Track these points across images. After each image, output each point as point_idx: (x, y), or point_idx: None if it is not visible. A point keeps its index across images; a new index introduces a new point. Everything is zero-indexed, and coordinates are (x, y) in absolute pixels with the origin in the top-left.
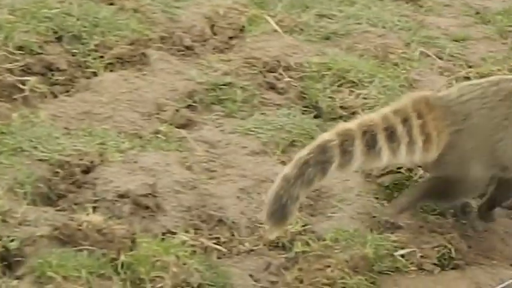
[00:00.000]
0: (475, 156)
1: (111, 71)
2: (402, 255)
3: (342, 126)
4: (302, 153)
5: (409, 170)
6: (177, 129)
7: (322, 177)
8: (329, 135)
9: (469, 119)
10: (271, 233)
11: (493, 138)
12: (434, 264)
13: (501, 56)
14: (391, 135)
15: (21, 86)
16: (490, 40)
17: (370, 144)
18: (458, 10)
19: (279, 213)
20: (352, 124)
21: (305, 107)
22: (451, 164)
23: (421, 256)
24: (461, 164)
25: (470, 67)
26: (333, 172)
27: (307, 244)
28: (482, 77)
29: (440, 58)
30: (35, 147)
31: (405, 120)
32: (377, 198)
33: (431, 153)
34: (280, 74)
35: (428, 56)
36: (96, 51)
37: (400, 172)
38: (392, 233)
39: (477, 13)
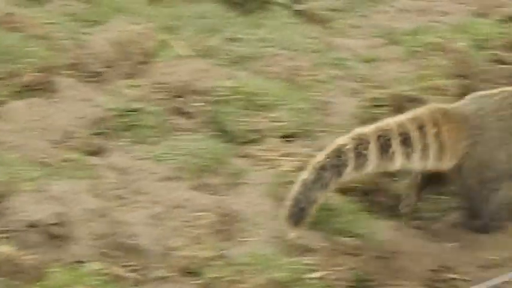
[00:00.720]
0: (491, 168)
1: (19, 99)
2: (315, 278)
3: (357, 130)
4: (319, 158)
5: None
6: (87, 156)
7: (338, 180)
8: (344, 139)
9: (487, 131)
10: (289, 233)
11: (506, 149)
12: (348, 286)
13: (410, 76)
14: (406, 140)
15: None
16: (399, 61)
17: (384, 148)
18: (367, 31)
19: (297, 215)
20: (367, 129)
21: (216, 131)
22: (469, 177)
23: (334, 279)
24: (477, 176)
25: (380, 88)
26: (348, 174)
27: (220, 270)
28: (392, 98)
29: (350, 79)
30: None
31: (420, 128)
32: None
33: (445, 161)
34: (190, 99)
35: (338, 77)
36: (3, 79)
37: None
38: (305, 256)
39: (385, 34)
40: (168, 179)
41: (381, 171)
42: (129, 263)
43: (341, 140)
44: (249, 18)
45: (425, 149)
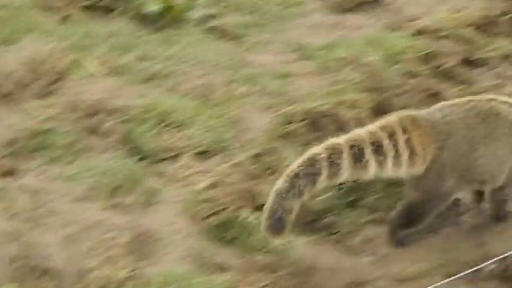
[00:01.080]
0: (451, 172)
1: None
2: None
3: (330, 140)
4: (292, 167)
5: (236, 209)
6: None
7: (312, 188)
8: (317, 149)
9: (451, 137)
10: (273, 241)
11: (472, 155)
12: None
13: (323, 90)
14: (378, 148)
15: None
16: (312, 75)
17: (357, 158)
18: (280, 47)
19: (276, 226)
20: (340, 139)
21: (129, 150)
22: (431, 178)
23: None
24: (439, 178)
25: (293, 103)
26: (322, 183)
27: None
28: (305, 113)
29: (263, 95)
30: None
31: (391, 135)
32: (205, 239)
33: (417, 166)
34: (103, 118)
35: (252, 93)
36: None
37: (224, 213)
38: (221, 273)
39: (298, 49)
40: (82, 199)
41: (355, 180)
42: (44, 285)
43: (315, 150)
44: (161, 36)
45: (397, 156)
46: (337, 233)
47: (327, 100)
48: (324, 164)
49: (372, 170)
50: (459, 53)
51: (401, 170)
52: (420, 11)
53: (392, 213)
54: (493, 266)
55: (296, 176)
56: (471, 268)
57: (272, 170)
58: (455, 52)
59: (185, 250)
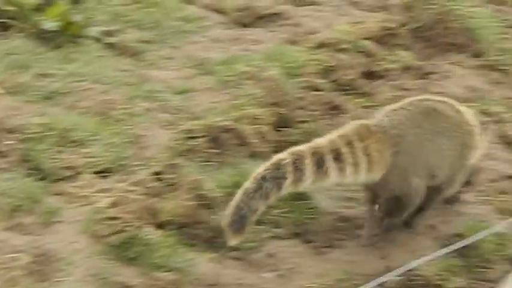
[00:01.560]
0: (413, 171)
1: None
2: None
3: (293, 148)
4: (259, 170)
5: (138, 227)
6: None
7: (278, 192)
8: (282, 154)
9: (403, 140)
10: (230, 241)
11: (424, 151)
12: None
13: (224, 105)
14: (338, 156)
15: None
16: (212, 91)
17: (319, 164)
18: (180, 62)
19: (238, 223)
20: (302, 147)
21: (29, 169)
22: (396, 182)
23: None
24: (403, 180)
25: (194, 119)
26: (287, 188)
27: None
28: (206, 129)
29: (164, 112)
30: None
31: (349, 143)
32: (107, 258)
33: (376, 172)
34: (2, 137)
35: (152, 110)
36: None
37: (126, 231)
38: None
39: (198, 64)
40: None
41: (319, 186)
42: None
43: (280, 155)
44: (59, 53)
45: (356, 163)
46: (239, 249)
47: (227, 115)
48: (289, 168)
49: (333, 177)
50: (359, 66)
51: (361, 176)
52: (319, 25)
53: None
54: (397, 277)
55: (263, 178)
56: (374, 280)
57: (174, 187)
58: (355, 65)
59: (87, 270)
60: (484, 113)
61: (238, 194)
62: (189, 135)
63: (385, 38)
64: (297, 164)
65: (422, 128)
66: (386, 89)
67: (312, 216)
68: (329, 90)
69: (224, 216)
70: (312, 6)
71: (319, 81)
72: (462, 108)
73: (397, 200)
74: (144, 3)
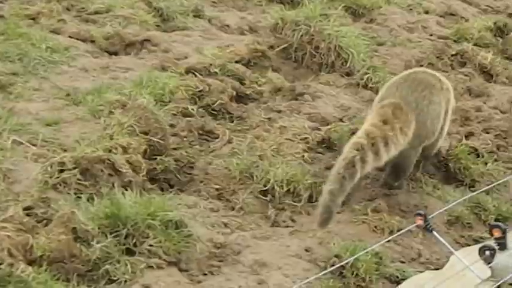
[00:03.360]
0: (424, 135)
1: None
2: None
3: (355, 141)
4: (337, 169)
5: (11, 264)
6: None
7: (352, 184)
8: (350, 151)
9: (419, 110)
10: (321, 229)
11: (428, 116)
12: None
13: (95, 136)
14: (386, 141)
15: None
16: (82, 121)
17: (376, 153)
18: (49, 93)
19: (328, 218)
20: (362, 139)
21: None
22: (410, 148)
23: None
24: (418, 144)
25: (65, 151)
26: (357, 178)
27: None
28: (77, 160)
29: (33, 145)
30: None
31: (392, 127)
32: None
33: (406, 143)
34: None
35: (21, 143)
36: None
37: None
38: None
39: (67, 95)
40: None
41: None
42: None
43: (348, 152)
44: None
45: (397, 143)
46: (115, 281)
47: (99, 146)
48: (359, 163)
49: (382, 159)
50: (230, 89)
51: (397, 150)
52: (189, 50)
53: (383, 176)
54: None
55: (344, 177)
56: None
57: (46, 222)
58: (226, 88)
59: None
60: (356, 131)
61: (325, 195)
62: (60, 168)
63: (255, 60)
64: (363, 156)
65: (426, 97)
66: (258, 111)
67: (187, 244)
68: (201, 116)
69: (316, 216)
70: (180, 31)
71: (191, 106)
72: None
73: (403, 161)
74: (10, 35)
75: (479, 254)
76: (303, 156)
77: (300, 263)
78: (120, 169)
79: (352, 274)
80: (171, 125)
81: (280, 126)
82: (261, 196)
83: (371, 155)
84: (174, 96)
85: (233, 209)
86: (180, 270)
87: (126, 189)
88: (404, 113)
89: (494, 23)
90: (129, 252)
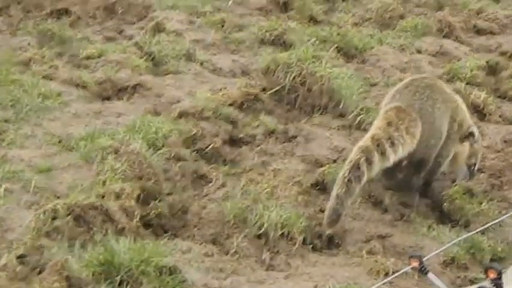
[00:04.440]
0: (432, 135)
1: None
2: None
3: (361, 144)
4: (343, 172)
5: None
6: None
7: (359, 186)
8: (356, 154)
9: (424, 111)
10: (328, 230)
11: (435, 117)
12: None
13: (88, 182)
14: (392, 141)
15: None
16: (75, 167)
17: (383, 153)
18: (41, 140)
19: (335, 220)
20: (368, 141)
21: None
22: (421, 148)
23: None
24: (427, 143)
25: (58, 198)
26: (365, 180)
27: None
28: (70, 207)
29: (26, 192)
30: None
31: (396, 128)
32: None
33: (414, 145)
34: None
35: (14, 191)
36: None
37: None
38: None
39: (60, 141)
40: None
41: (381, 168)
42: None
43: (354, 155)
44: None
45: (404, 143)
46: None
47: (92, 192)
48: (365, 165)
49: (390, 159)
50: (223, 133)
51: (406, 151)
52: (181, 93)
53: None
54: None
55: (350, 180)
56: None
57: (39, 270)
58: (219, 132)
59: None
60: None
61: (332, 199)
62: (53, 215)
63: (247, 103)
64: (369, 158)
65: (431, 100)
66: (251, 155)
67: None
68: (194, 160)
69: (324, 218)
70: (173, 75)
71: (184, 151)
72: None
73: (418, 161)
74: (2, 81)
75: None
76: (297, 199)
77: None
78: (113, 215)
79: None
80: (165, 170)
81: (273, 169)
82: (255, 240)
83: (377, 155)
84: (167, 141)
85: (228, 253)
86: None
87: (120, 236)
88: (408, 113)
89: (487, 62)
90: None
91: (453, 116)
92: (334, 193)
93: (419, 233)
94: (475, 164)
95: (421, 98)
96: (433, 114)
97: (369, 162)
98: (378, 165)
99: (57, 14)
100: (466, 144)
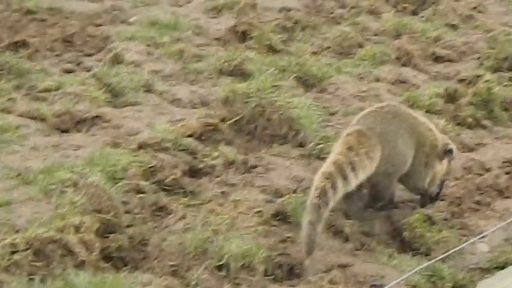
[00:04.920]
0: (392, 161)
1: None
2: None
3: (324, 170)
4: (311, 199)
5: None
6: None
7: (327, 210)
8: (320, 180)
9: (385, 136)
10: (307, 259)
11: (397, 143)
12: None
13: (47, 216)
14: (353, 166)
15: None
16: (34, 201)
17: (345, 178)
18: (0, 174)
19: (313, 247)
20: (330, 167)
21: None
22: (380, 171)
23: None
24: (386, 168)
25: (16, 232)
26: (331, 205)
27: None
28: (29, 241)
29: None
30: None
31: (357, 153)
32: None
33: (373, 168)
34: None
35: None
36: None
37: None
38: None
39: (19, 174)
40: None
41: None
42: None
43: (319, 181)
44: None
45: (364, 167)
46: None
47: (51, 226)
48: (331, 191)
49: (352, 184)
50: (183, 164)
51: (366, 175)
52: (140, 125)
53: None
54: None
55: (319, 206)
56: None
57: None
58: (178, 163)
59: None
60: None
61: (306, 227)
62: (12, 249)
63: (207, 134)
64: (334, 184)
65: (393, 127)
66: (211, 185)
67: None
68: (153, 192)
69: (303, 246)
70: (131, 107)
71: (143, 183)
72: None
73: (377, 190)
74: None
75: None
76: (257, 229)
77: None
78: (73, 249)
79: None
80: (124, 202)
81: (234, 200)
82: (216, 271)
83: (340, 181)
84: (127, 173)
85: (188, 285)
86: None
87: (80, 269)
88: (368, 137)
89: (445, 90)
90: None
91: (420, 141)
92: (306, 220)
93: (380, 261)
94: (445, 180)
95: (382, 122)
96: (395, 139)
97: (334, 187)
98: (341, 190)
99: (15, 47)
100: (445, 161)
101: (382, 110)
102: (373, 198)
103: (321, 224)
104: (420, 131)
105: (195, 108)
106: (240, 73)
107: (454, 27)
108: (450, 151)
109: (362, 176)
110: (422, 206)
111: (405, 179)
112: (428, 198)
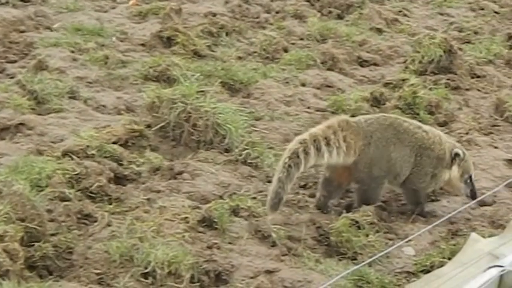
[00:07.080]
0: (377, 164)
1: None
2: None
3: (299, 137)
4: (283, 159)
5: None
6: None
7: (297, 173)
8: (295, 144)
9: (373, 137)
10: (271, 215)
11: (387, 150)
12: None
13: None
14: (328, 142)
15: None
16: None
17: (318, 148)
18: None
19: (278, 204)
20: (306, 135)
21: None
22: (362, 168)
23: None
24: (368, 168)
25: None
26: (301, 169)
27: None
28: None
29: None
30: None
31: (334, 132)
32: None
33: (351, 156)
34: None
35: None
36: None
37: None
38: None
39: None
40: None
41: (317, 164)
42: None
43: (293, 145)
44: None
45: (339, 147)
46: None
47: None
48: (303, 155)
49: (325, 157)
50: (108, 171)
51: (341, 158)
52: (65, 132)
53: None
54: None
55: (290, 166)
56: None
57: None
58: (104, 170)
59: None
60: (236, 209)
61: (274, 183)
62: None
63: (132, 140)
64: (306, 149)
65: (387, 132)
66: (136, 193)
67: None
68: (79, 199)
69: (267, 202)
70: (56, 114)
71: (68, 190)
72: (426, 127)
73: (365, 192)
74: None
75: None
76: (184, 236)
77: None
78: None
79: None
80: (49, 211)
81: (159, 207)
82: (142, 279)
83: (313, 149)
84: (51, 181)
85: None
86: None
87: (4, 279)
88: (351, 127)
89: (371, 93)
90: None
91: (419, 153)
92: (276, 177)
93: (307, 266)
94: (470, 177)
95: (376, 128)
96: (385, 145)
97: (306, 153)
98: (313, 159)
99: None
100: (455, 167)
101: (379, 118)
102: (361, 199)
103: (289, 184)
104: (418, 146)
105: (120, 114)
106: (165, 79)
107: (379, 31)
108: (457, 155)
109: (335, 156)
110: (421, 214)
111: (404, 189)
112: (424, 209)
